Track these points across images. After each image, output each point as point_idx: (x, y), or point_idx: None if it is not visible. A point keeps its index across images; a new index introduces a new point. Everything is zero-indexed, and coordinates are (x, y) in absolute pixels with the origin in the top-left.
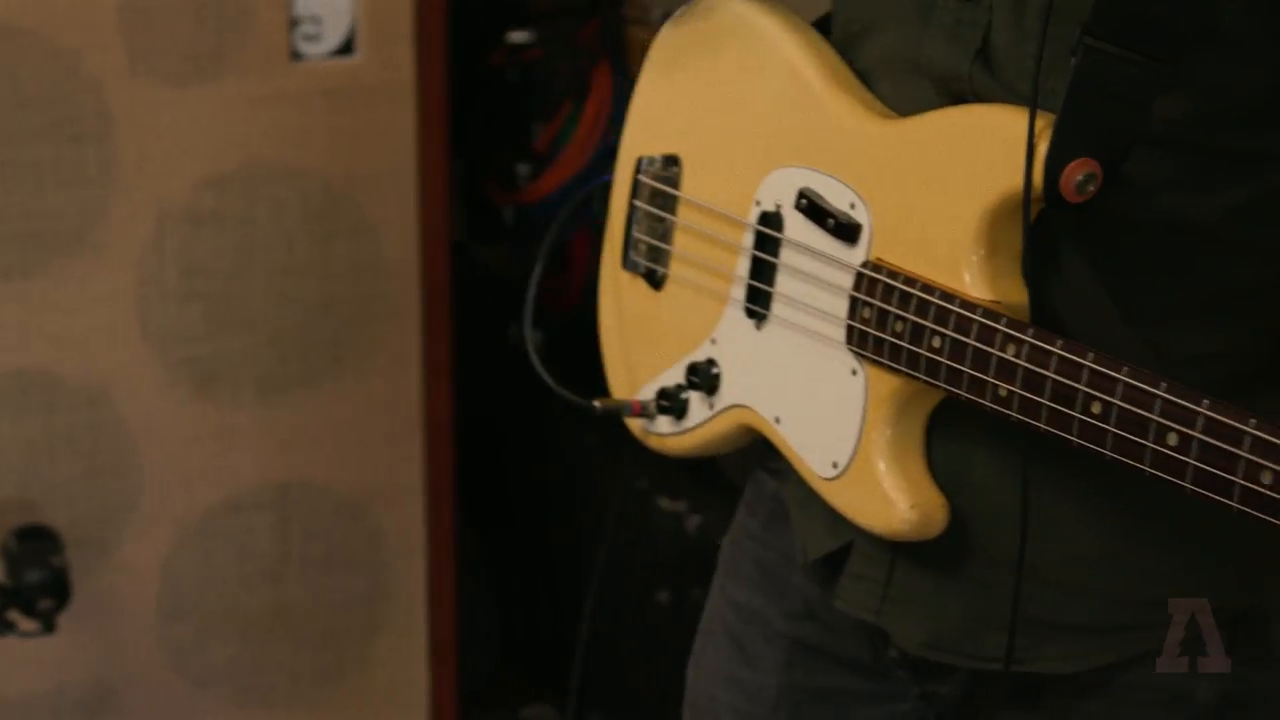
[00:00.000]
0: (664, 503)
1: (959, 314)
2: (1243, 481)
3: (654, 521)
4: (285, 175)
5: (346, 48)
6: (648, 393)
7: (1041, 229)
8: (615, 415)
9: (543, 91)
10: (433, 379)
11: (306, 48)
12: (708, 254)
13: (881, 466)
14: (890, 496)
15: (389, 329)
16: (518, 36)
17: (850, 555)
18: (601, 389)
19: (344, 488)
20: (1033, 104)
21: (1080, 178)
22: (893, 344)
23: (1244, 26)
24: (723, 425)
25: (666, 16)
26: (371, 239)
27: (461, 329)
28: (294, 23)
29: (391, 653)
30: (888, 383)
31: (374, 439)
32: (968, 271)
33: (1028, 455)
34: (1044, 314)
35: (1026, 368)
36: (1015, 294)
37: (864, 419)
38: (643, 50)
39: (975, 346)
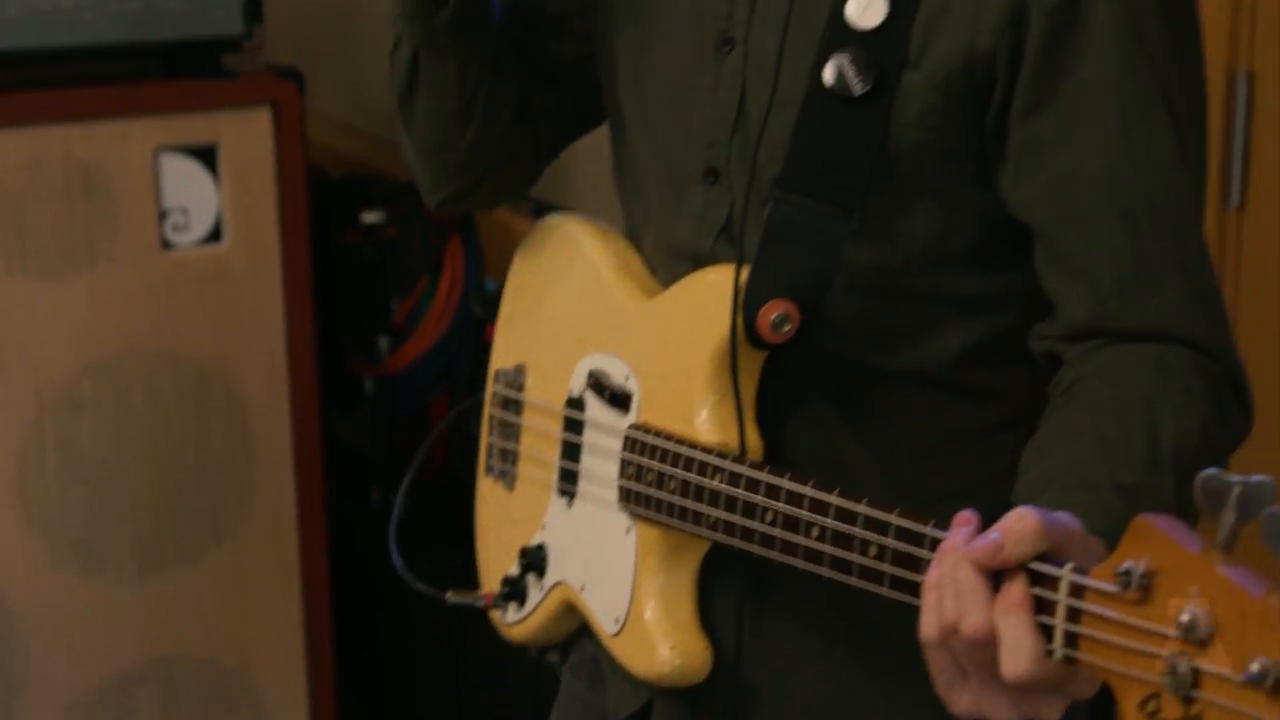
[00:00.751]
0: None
1: (686, 456)
2: (859, 559)
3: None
4: (160, 358)
5: (215, 235)
6: (498, 586)
7: (782, 377)
8: (468, 608)
9: (398, 267)
10: (309, 548)
11: (176, 237)
12: (541, 448)
13: (648, 614)
14: (654, 641)
15: (265, 502)
16: (371, 216)
17: (652, 714)
18: (468, 555)
19: (227, 658)
20: (739, 255)
21: (775, 318)
22: (646, 494)
23: (944, 178)
24: (551, 605)
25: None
26: (243, 416)
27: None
28: (163, 214)
29: None
30: (651, 534)
31: (255, 608)
32: (700, 418)
33: (746, 591)
34: (786, 455)
35: (727, 492)
36: (739, 436)
37: (636, 571)
38: (492, 224)
39: (695, 482)
